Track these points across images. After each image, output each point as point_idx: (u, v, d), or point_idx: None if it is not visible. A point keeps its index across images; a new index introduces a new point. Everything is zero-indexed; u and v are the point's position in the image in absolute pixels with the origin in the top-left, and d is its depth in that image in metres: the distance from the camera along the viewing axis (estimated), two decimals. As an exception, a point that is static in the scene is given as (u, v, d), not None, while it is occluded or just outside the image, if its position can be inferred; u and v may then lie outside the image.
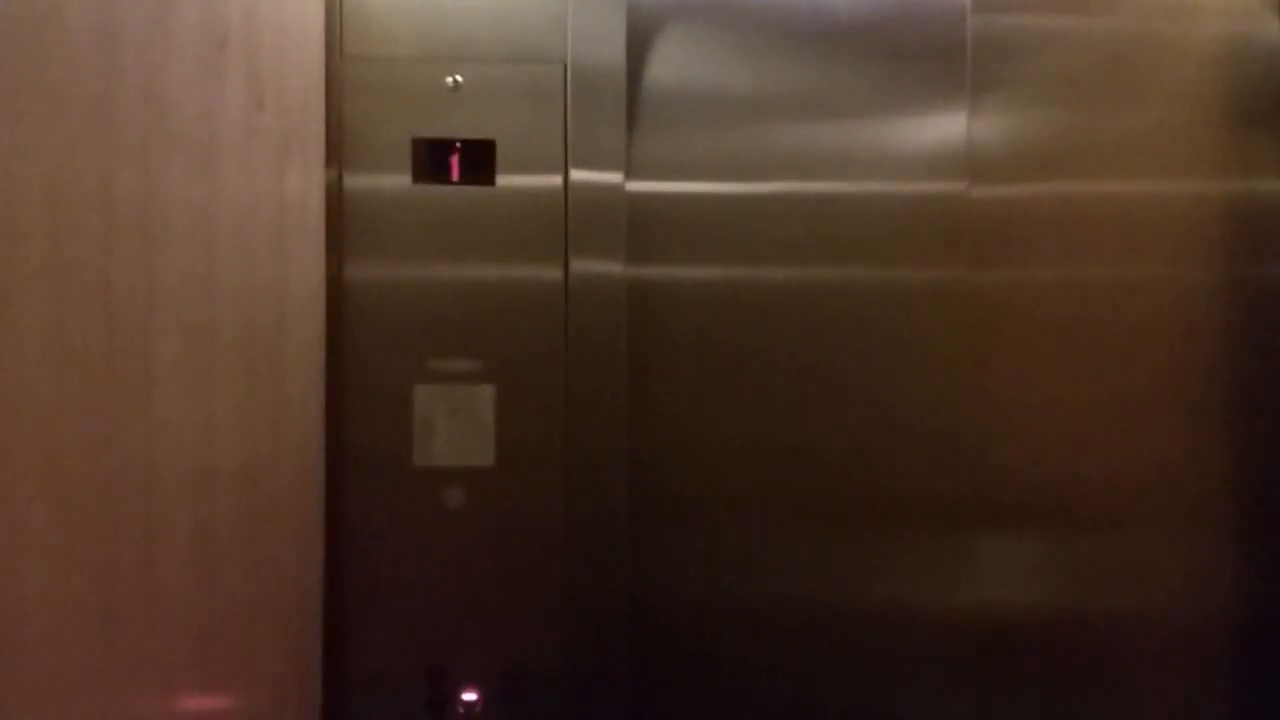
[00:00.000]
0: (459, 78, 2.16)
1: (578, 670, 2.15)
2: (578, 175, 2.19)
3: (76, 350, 1.08)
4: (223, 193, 1.49)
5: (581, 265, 2.18)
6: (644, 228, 2.23)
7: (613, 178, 2.21)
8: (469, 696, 2.14)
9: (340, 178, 2.14)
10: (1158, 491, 2.30)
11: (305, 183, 1.96)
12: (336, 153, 2.13)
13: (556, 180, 2.18)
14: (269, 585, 1.77)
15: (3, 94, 0.93)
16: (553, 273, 2.18)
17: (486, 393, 2.15)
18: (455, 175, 2.16)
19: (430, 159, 2.16)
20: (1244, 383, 2.31)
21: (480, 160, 2.16)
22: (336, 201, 2.13)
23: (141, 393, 1.24)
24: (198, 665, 1.43)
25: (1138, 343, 2.30)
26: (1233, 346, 2.30)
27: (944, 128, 2.30)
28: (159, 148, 1.27)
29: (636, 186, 2.23)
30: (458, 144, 2.16)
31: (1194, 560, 2.31)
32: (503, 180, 2.17)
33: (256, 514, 1.69)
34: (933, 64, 2.30)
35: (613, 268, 2.19)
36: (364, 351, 2.14)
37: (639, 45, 2.24)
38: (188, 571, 1.39)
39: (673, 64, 2.27)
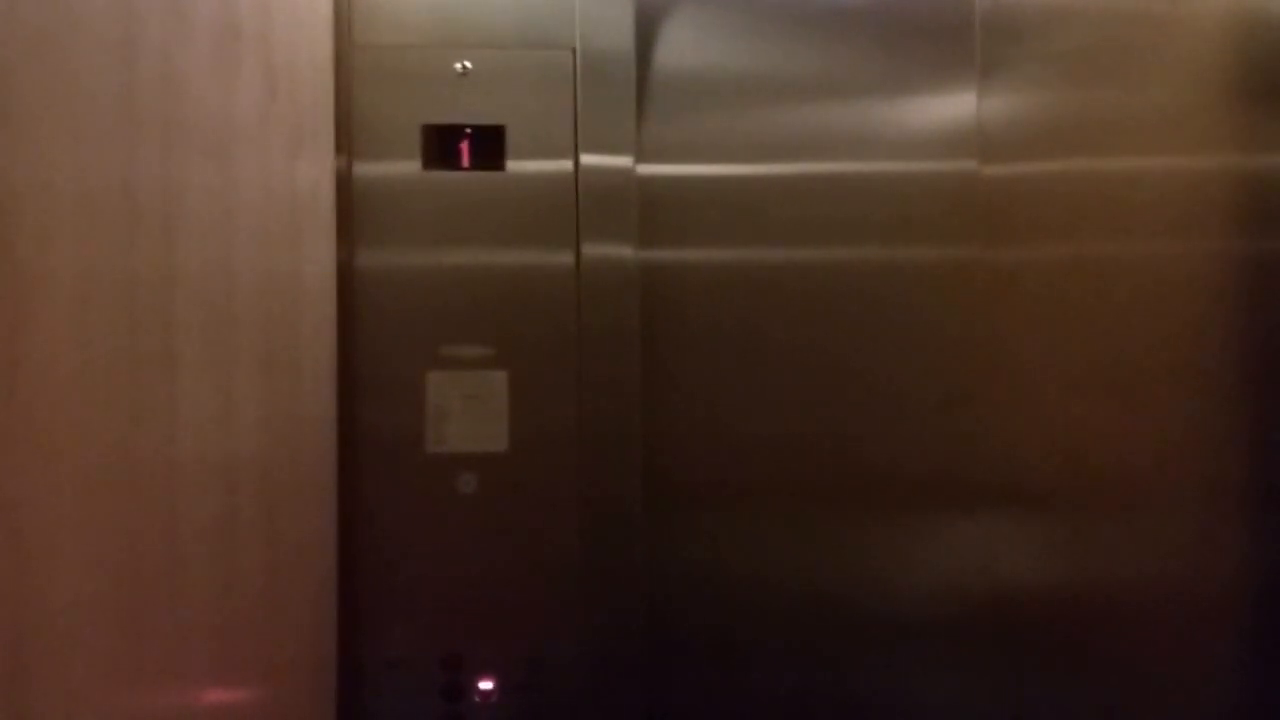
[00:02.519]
0: (468, 64, 2.16)
1: (594, 656, 2.16)
2: (588, 160, 2.18)
3: (102, 344, 1.08)
4: (239, 183, 1.49)
5: (593, 250, 2.18)
6: (656, 211, 2.22)
7: (623, 162, 2.20)
8: (485, 684, 2.15)
9: (350, 165, 2.13)
10: (1176, 467, 2.30)
11: (316, 171, 1.96)
12: (347, 140, 2.12)
13: (567, 165, 2.18)
14: (285, 574, 1.77)
15: (30, 89, 0.93)
16: (564, 258, 2.18)
17: (499, 378, 2.15)
18: (465, 161, 2.16)
19: (440, 145, 2.15)
20: (1258, 358, 2.30)
21: (490, 146, 2.16)
22: (347, 189, 2.13)
23: (165, 384, 1.24)
24: (219, 655, 1.43)
25: (1151, 319, 2.30)
26: (1246, 322, 2.30)
27: (954, 106, 2.30)
28: (179, 139, 1.26)
29: (647, 170, 2.23)
30: (467, 130, 2.16)
31: (1212, 537, 2.30)
32: (513, 166, 2.17)
33: (273, 503, 1.69)
34: (942, 43, 2.29)
35: (624, 252, 2.19)
36: (376, 339, 2.14)
37: (647, 28, 2.23)
38: (209, 562, 1.39)
39: (681, 47, 2.26)
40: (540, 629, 2.16)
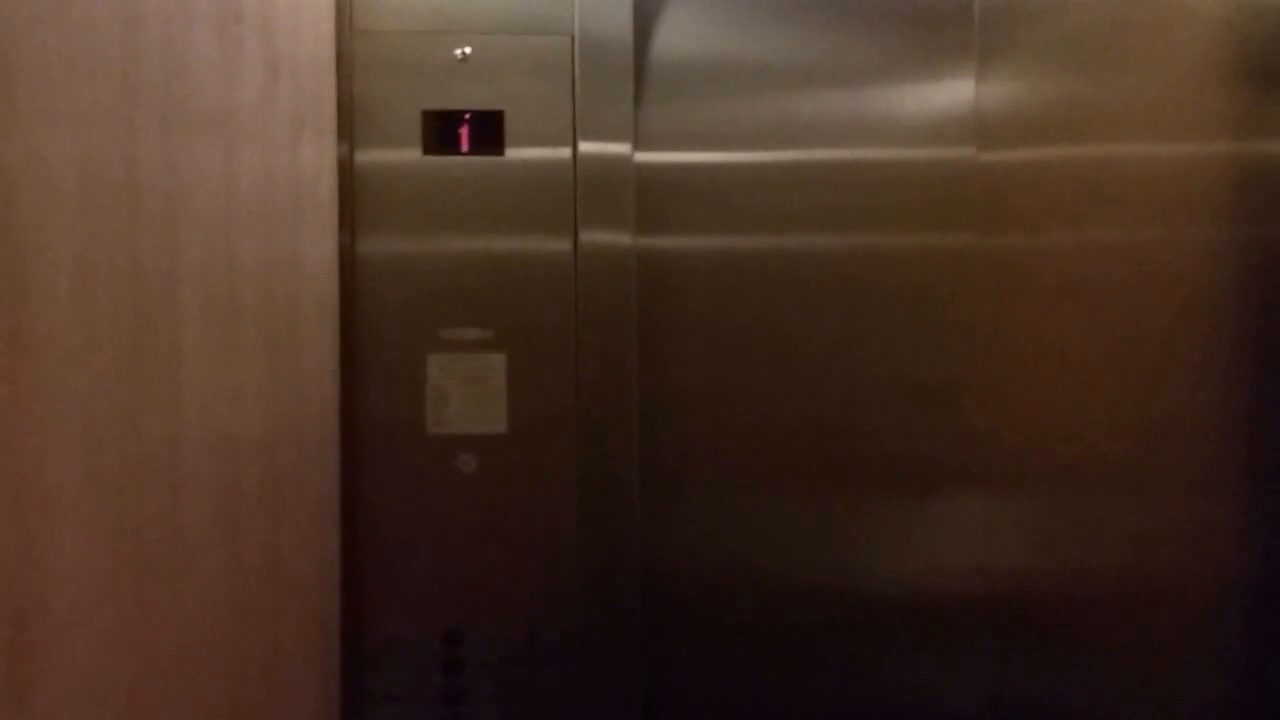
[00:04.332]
0: (467, 50, 2.18)
1: (592, 633, 2.18)
2: (586, 147, 2.20)
3: (104, 324, 1.09)
4: (241, 164, 1.51)
5: (590, 236, 2.20)
6: (653, 198, 2.24)
7: (621, 149, 2.21)
8: (485, 659, 2.17)
9: (351, 151, 2.16)
10: (1174, 454, 2.31)
11: (318, 155, 1.98)
12: (348, 125, 2.15)
13: (565, 152, 2.19)
14: (289, 552, 1.79)
15: (30, 69, 0.94)
16: (562, 244, 2.19)
17: (498, 361, 2.17)
18: (465, 147, 2.18)
19: (440, 131, 2.18)
20: (1254, 344, 2.31)
21: (489, 131, 2.18)
22: (348, 174, 2.15)
23: (167, 365, 1.26)
24: (222, 631, 1.45)
25: (1148, 306, 2.31)
26: (1245, 309, 2.31)
27: (952, 93, 2.30)
28: (180, 118, 1.28)
29: (645, 157, 2.24)
30: (467, 115, 2.18)
31: (1209, 522, 2.31)
32: (512, 152, 2.19)
33: (276, 483, 1.71)
34: (941, 29, 2.30)
35: (622, 239, 2.21)
36: (377, 322, 2.17)
37: (646, 15, 2.25)
38: (212, 540, 1.41)
39: (679, 33, 2.27)
40: (539, 606, 2.18)
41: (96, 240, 1.07)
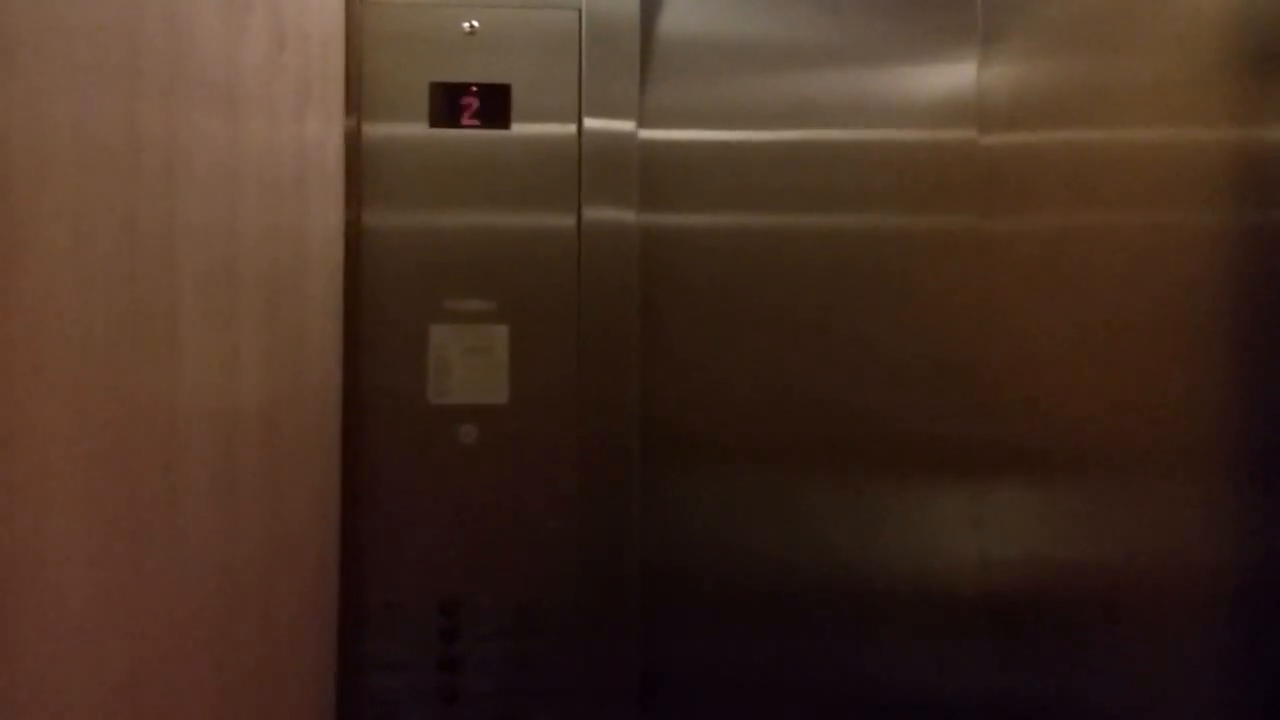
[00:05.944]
0: (475, 23, 2.19)
1: (590, 607, 2.20)
2: (591, 123, 2.21)
3: (100, 290, 1.10)
4: (245, 133, 1.51)
5: (594, 212, 2.21)
6: (656, 175, 2.25)
7: (625, 126, 2.22)
8: (482, 628, 2.19)
9: (359, 124, 2.17)
10: (1173, 435, 2.31)
11: (325, 127, 1.99)
12: (355, 97, 2.16)
13: (570, 127, 2.21)
14: (288, 522, 1.80)
15: (28, 31, 0.94)
16: (566, 219, 2.21)
17: (500, 332, 2.19)
18: (471, 120, 2.19)
19: (447, 104, 2.19)
20: (1254, 329, 2.31)
21: (496, 105, 2.19)
22: (355, 146, 2.16)
23: (166, 334, 1.26)
24: (220, 601, 1.46)
25: (1149, 289, 2.30)
26: (1245, 292, 2.30)
27: (955, 75, 2.31)
28: (183, 85, 1.28)
29: (649, 134, 2.25)
30: (474, 88, 2.19)
31: (1210, 504, 2.31)
32: (518, 127, 2.20)
33: (277, 453, 1.72)
34: (944, 11, 2.30)
35: (625, 215, 2.22)
36: (381, 293, 2.18)
37: (652, -8, 2.26)
38: (211, 509, 1.42)
39: (684, 11, 2.28)
40: (537, 577, 2.20)
41: (93, 205, 1.07)
